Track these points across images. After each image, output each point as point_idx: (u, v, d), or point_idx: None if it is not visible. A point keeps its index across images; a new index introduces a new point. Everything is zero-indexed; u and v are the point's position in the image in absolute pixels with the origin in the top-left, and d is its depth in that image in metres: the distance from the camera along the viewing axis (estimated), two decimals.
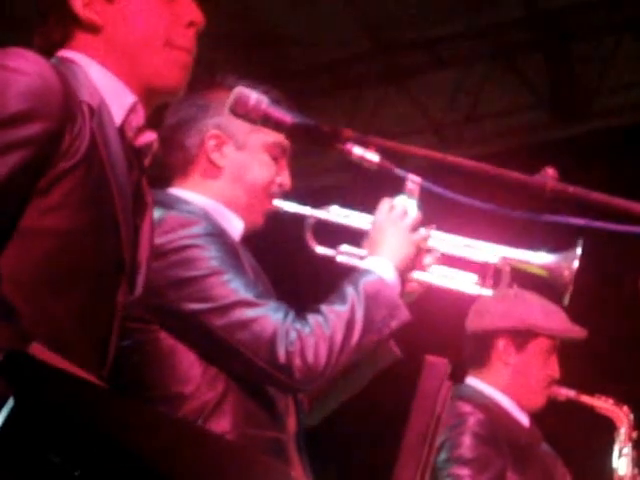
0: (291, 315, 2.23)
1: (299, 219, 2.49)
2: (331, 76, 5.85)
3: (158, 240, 2.20)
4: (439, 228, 2.46)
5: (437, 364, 2.05)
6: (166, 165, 2.48)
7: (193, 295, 2.21)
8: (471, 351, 3.53)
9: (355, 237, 2.48)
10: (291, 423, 2.33)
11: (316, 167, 5.44)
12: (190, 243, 2.24)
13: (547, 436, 3.58)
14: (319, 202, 2.55)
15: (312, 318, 2.23)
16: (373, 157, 2.13)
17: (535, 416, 3.54)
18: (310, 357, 2.18)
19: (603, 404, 3.63)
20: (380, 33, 5.56)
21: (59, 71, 1.71)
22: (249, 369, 2.22)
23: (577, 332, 3.51)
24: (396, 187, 2.44)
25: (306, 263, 2.59)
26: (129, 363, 2.22)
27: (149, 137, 1.88)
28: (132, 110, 1.83)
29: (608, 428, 3.65)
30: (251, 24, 5.37)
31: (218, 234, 2.30)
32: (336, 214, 2.49)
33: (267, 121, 2.12)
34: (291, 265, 2.38)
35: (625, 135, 5.26)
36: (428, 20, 5.40)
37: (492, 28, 5.47)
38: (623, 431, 3.64)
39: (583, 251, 2.38)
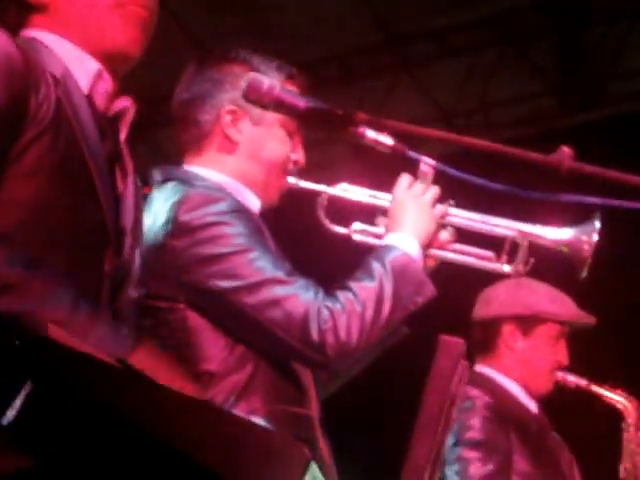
0: (321, 293, 2.21)
1: (311, 198, 2.47)
2: (340, 67, 5.84)
3: (183, 217, 2.21)
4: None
5: (453, 343, 2.05)
6: (179, 142, 2.46)
7: (222, 272, 2.20)
8: (478, 338, 3.53)
9: (367, 215, 2.47)
10: (314, 400, 2.33)
11: (323, 159, 5.43)
12: (217, 220, 2.22)
13: (554, 423, 3.57)
14: None
15: (342, 295, 2.21)
16: (386, 140, 2.13)
17: (543, 403, 3.54)
18: (343, 334, 2.16)
19: (613, 395, 3.62)
20: (389, 22, 5.55)
21: (19, 44, 1.74)
22: (281, 347, 2.20)
23: (585, 318, 3.51)
24: (408, 173, 2.43)
25: (318, 243, 2.57)
26: (155, 342, 2.20)
27: (122, 103, 1.88)
28: (98, 77, 1.84)
29: (616, 418, 3.64)
30: (260, 15, 5.37)
31: (242, 211, 2.28)
32: (350, 192, 2.46)
33: (280, 106, 2.13)
34: (303, 245, 2.36)
35: (638, 121, 5.23)
36: (437, 8, 5.39)
37: (502, 15, 5.44)
38: (631, 423, 3.63)
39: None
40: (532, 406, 3.51)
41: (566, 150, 1.92)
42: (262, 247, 2.24)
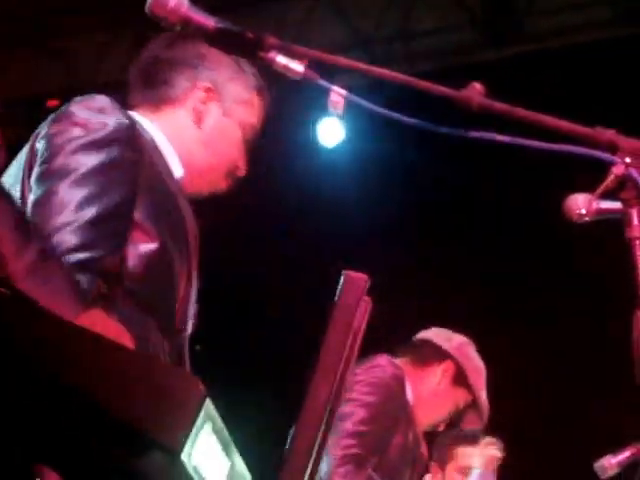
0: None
1: None
2: None
3: (71, 107, 2.12)
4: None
5: (356, 279, 2.01)
6: (132, 92, 2.38)
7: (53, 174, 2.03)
8: None
9: None
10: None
11: None
12: (90, 126, 2.08)
13: None
14: None
15: None
16: (297, 67, 2.07)
17: None
18: None
19: None
20: None
21: None
22: None
23: None
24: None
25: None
26: None
27: None
28: None
29: None
30: None
31: (130, 143, 2.12)
32: None
33: (187, 25, 2.04)
34: None
35: (556, 58, 5.26)
36: None
37: None
38: None
39: None
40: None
41: (477, 86, 1.89)
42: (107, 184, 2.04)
